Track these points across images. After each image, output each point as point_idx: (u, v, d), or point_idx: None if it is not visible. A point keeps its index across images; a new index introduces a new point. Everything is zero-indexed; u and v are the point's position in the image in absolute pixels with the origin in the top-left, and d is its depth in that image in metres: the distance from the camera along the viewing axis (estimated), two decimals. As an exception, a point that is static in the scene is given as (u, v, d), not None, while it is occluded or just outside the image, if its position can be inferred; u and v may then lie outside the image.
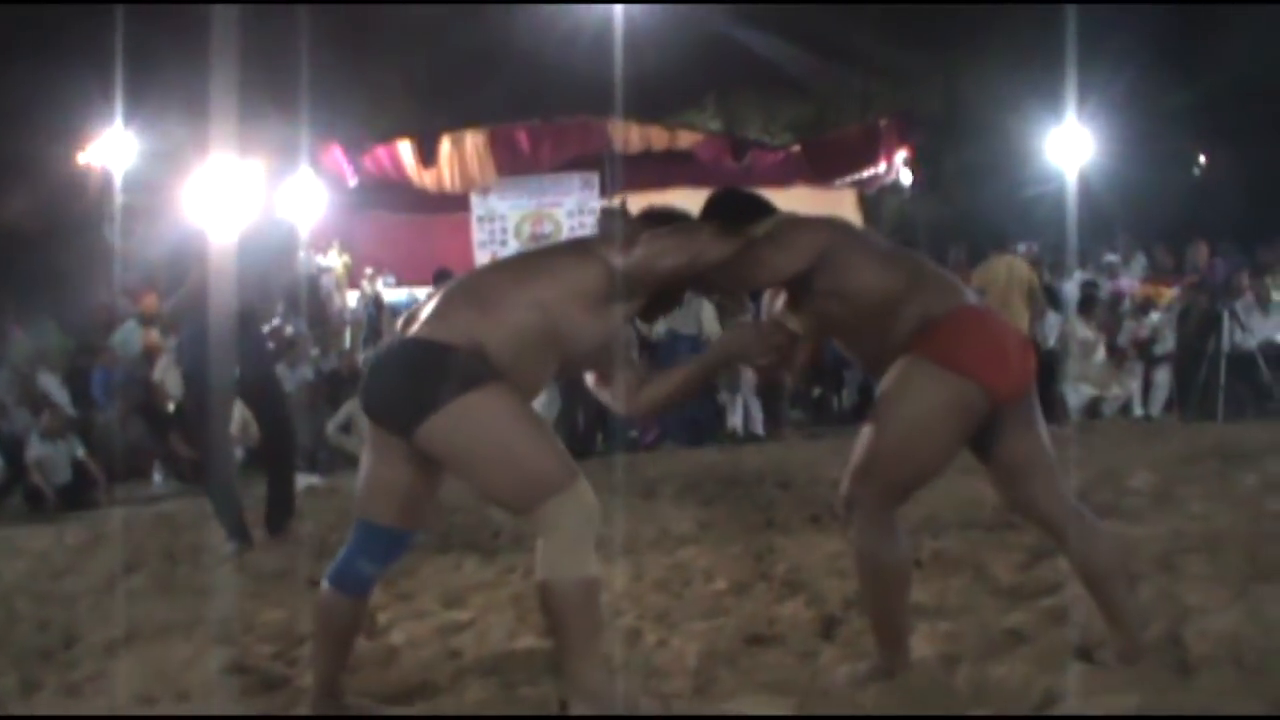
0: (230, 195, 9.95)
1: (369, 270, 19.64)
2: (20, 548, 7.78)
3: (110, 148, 17.32)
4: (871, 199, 22.98)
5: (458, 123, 21.38)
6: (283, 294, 15.28)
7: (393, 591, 5.41)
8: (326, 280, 19.22)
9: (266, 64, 17.58)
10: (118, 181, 17.14)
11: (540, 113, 21.24)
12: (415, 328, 3.44)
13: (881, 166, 21.42)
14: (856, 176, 21.85)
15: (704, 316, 12.53)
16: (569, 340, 3.50)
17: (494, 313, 3.41)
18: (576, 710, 3.35)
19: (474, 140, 20.93)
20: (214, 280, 6.73)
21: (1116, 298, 14.18)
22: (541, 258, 3.69)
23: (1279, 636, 3.72)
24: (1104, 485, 6.97)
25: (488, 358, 3.35)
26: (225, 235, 7.03)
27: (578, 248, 3.69)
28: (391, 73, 24.22)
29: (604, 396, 3.85)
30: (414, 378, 3.34)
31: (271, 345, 12.72)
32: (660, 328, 12.36)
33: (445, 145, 20.84)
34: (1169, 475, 7.20)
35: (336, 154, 20.24)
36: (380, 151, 20.94)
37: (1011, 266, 12.52)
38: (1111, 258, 15.64)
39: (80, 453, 11.06)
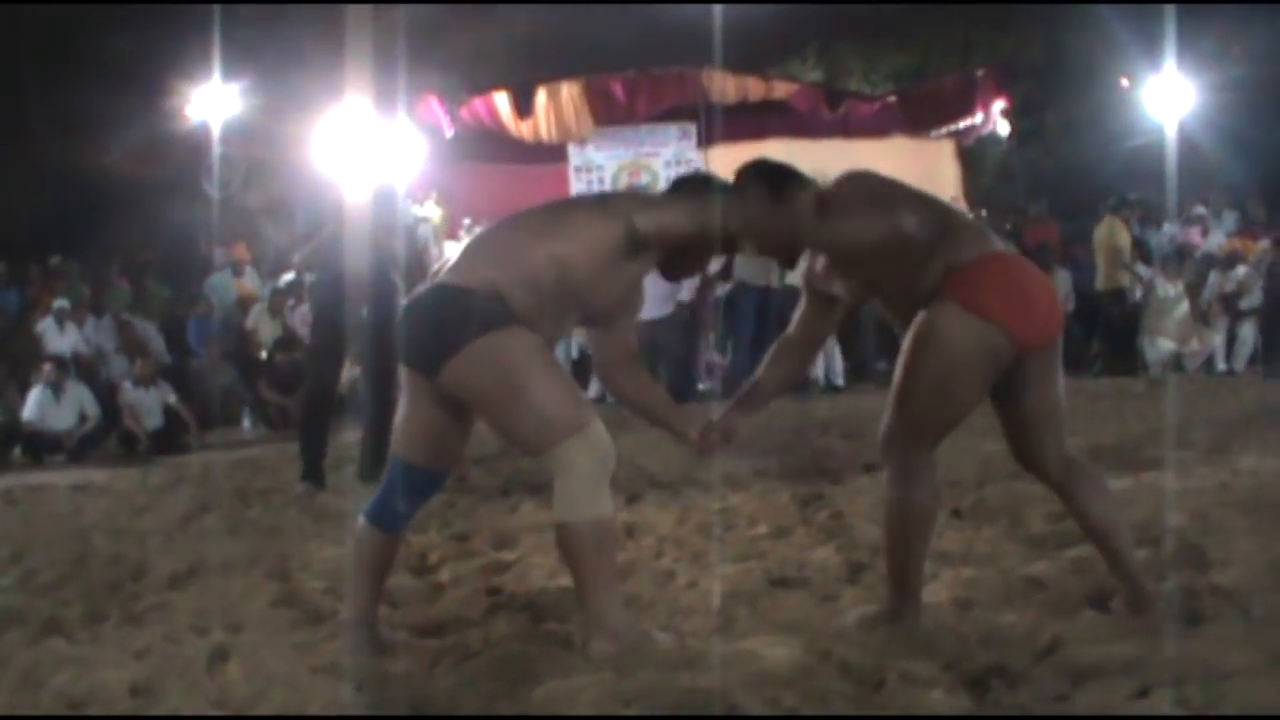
0: (354, 146, 10.23)
1: (466, 221, 19.73)
2: (106, 488, 8.12)
3: (209, 101, 17.66)
4: (971, 150, 22.72)
5: (554, 73, 21.45)
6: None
7: (447, 532, 5.62)
8: (424, 230, 19.38)
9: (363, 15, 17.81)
10: (216, 134, 17.49)
11: (636, 63, 21.25)
12: (443, 276, 3.60)
13: (978, 117, 21.13)
14: (953, 127, 21.60)
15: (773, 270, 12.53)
16: (585, 294, 3.63)
17: (513, 264, 3.54)
18: (596, 645, 3.49)
19: (570, 91, 20.95)
20: (350, 229, 7.09)
21: (1185, 250, 13.96)
22: (561, 212, 3.79)
23: (1293, 589, 3.78)
24: (1162, 438, 6.98)
25: (509, 305, 3.49)
26: (360, 186, 7.36)
27: (599, 204, 3.81)
28: (488, 23, 24.30)
29: (593, 348, 3.99)
30: (437, 321, 3.51)
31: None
32: (736, 275, 12.51)
33: (541, 96, 20.90)
34: (1229, 430, 7.17)
35: (433, 105, 20.39)
36: (477, 102, 21.03)
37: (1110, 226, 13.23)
38: (1201, 210, 15.38)
39: (172, 398, 11.41)
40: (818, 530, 5.16)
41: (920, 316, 3.55)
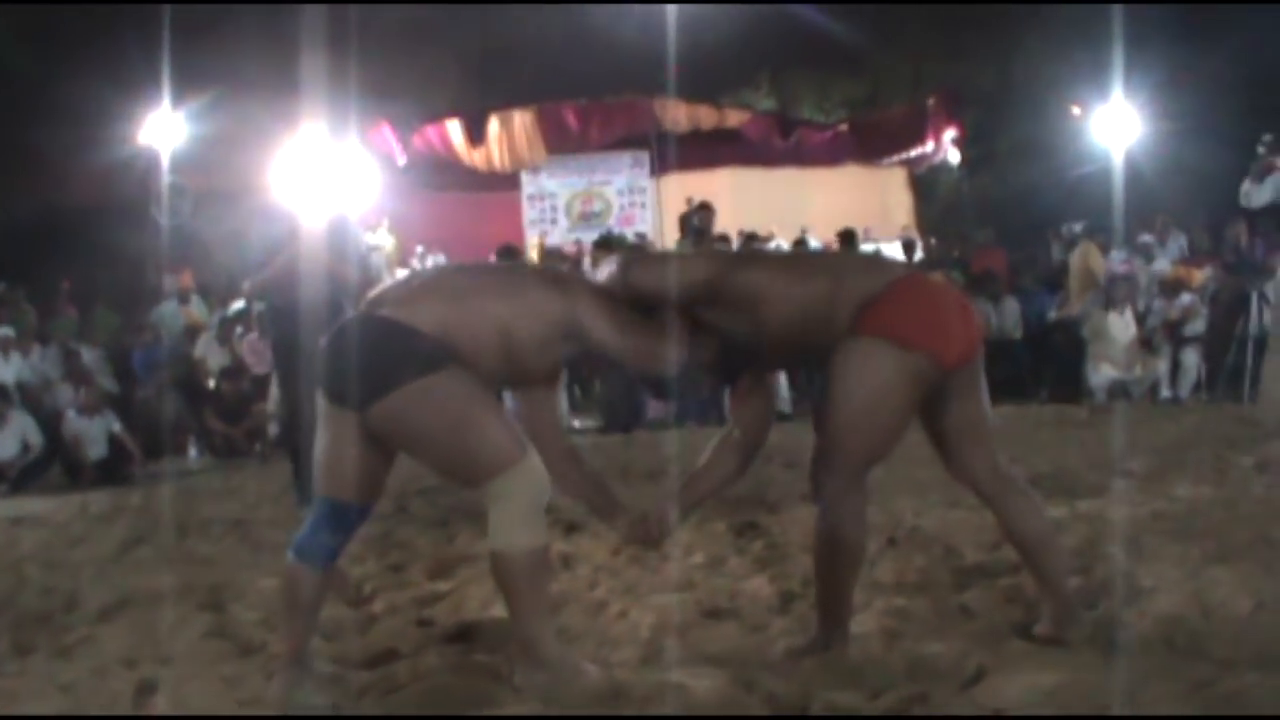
0: (308, 174, 10.25)
1: (419, 249, 19.73)
2: (45, 518, 8.04)
3: (158, 129, 17.58)
4: (923, 178, 22.92)
5: (508, 101, 21.52)
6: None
7: (384, 562, 5.59)
8: (376, 259, 19.35)
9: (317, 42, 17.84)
10: (165, 162, 17.42)
11: (590, 92, 21.35)
12: (384, 310, 3.56)
13: (929, 145, 21.37)
14: (904, 155, 21.82)
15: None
16: (520, 360, 3.61)
17: (463, 316, 3.52)
18: (523, 675, 3.50)
19: (522, 119, 21.06)
20: (305, 257, 7.12)
21: (1127, 277, 14.08)
22: (518, 278, 3.78)
23: (1217, 619, 3.82)
24: (1101, 466, 7.03)
25: (452, 349, 3.46)
26: (315, 214, 7.39)
27: (556, 282, 3.79)
28: (441, 51, 24.36)
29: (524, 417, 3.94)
30: (376, 355, 3.45)
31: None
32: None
33: (494, 124, 20.98)
34: (1168, 458, 7.23)
35: (386, 133, 20.41)
36: (429, 130, 21.09)
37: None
38: (1146, 238, 15.53)
39: (116, 428, 11.30)
40: (752, 560, 5.17)
41: (840, 353, 3.56)
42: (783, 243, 16.57)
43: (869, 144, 21.90)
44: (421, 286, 3.64)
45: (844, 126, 22.69)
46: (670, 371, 3.75)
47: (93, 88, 16.90)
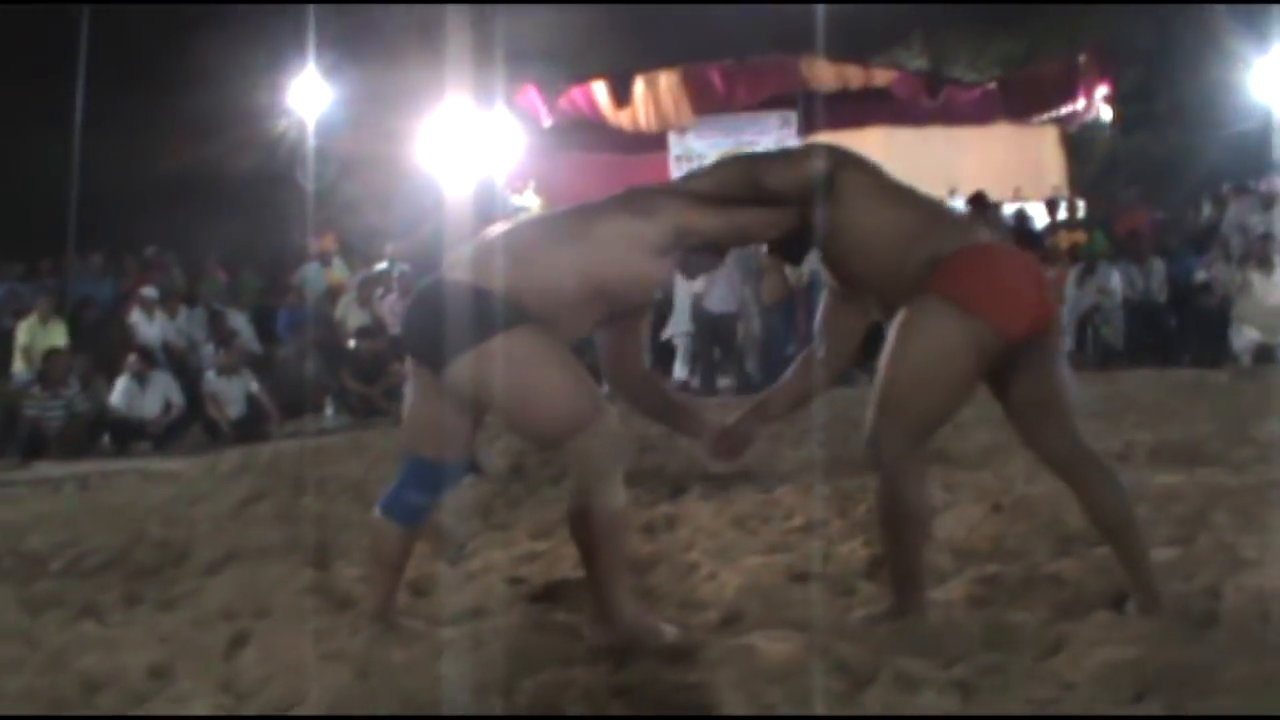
0: (454, 140, 10.34)
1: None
2: (175, 475, 8.27)
3: (304, 94, 17.89)
4: (1076, 136, 22.41)
5: (654, 62, 21.51)
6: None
7: (491, 521, 5.67)
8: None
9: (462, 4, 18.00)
10: (310, 126, 17.72)
11: (737, 52, 21.26)
12: (456, 272, 3.59)
13: (1080, 103, 20.92)
14: (1055, 113, 21.39)
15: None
16: (616, 295, 3.63)
17: (536, 271, 3.53)
18: (599, 634, 3.54)
19: (668, 80, 21.08)
20: (450, 226, 7.20)
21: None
22: (589, 218, 3.71)
23: (1317, 595, 3.67)
24: (1226, 433, 6.81)
25: (525, 307, 3.48)
26: (461, 179, 7.47)
27: (635, 203, 3.74)
28: (587, 13, 24.37)
29: (601, 348, 3.95)
30: (448, 318, 3.48)
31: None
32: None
33: (639, 85, 21.02)
34: (1300, 426, 6.97)
35: (531, 94, 20.54)
36: (575, 92, 21.20)
37: None
38: (1307, 196, 14.96)
39: (255, 388, 11.57)
40: (851, 524, 5.11)
41: (903, 312, 3.50)
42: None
43: (1019, 102, 21.54)
44: (493, 245, 3.64)
45: (993, 84, 22.28)
46: (784, 232, 3.73)
47: (239, 53, 17.24)
